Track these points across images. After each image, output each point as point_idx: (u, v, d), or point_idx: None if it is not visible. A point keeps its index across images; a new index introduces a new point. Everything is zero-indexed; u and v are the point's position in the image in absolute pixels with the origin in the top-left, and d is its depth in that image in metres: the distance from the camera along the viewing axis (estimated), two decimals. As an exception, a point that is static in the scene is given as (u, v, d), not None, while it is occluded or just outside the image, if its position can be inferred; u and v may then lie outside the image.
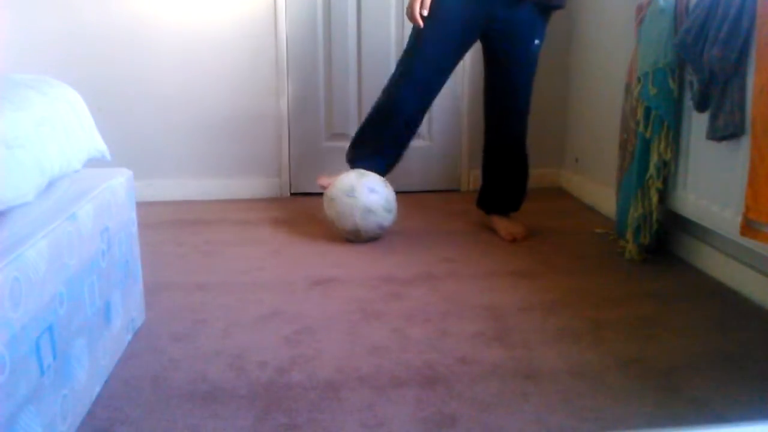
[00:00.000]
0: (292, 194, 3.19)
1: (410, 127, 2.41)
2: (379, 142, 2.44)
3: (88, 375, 1.31)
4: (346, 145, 3.15)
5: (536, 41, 2.32)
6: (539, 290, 1.95)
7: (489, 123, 2.46)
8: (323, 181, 2.53)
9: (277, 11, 2.99)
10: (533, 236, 2.48)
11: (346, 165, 3.23)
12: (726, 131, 1.79)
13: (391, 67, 3.06)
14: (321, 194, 3.16)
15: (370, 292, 1.94)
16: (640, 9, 2.19)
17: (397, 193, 2.67)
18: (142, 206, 2.92)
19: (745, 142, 1.73)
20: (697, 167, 2.01)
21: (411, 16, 2.24)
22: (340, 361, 1.53)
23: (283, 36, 3.02)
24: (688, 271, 2.10)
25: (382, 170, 2.44)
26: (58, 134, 1.27)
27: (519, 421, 1.29)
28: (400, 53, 2.44)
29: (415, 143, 3.18)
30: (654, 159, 2.09)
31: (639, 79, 2.10)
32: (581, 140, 3.09)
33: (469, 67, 3.10)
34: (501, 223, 2.47)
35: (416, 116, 2.40)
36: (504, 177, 2.47)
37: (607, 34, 2.80)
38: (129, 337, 1.62)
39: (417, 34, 2.29)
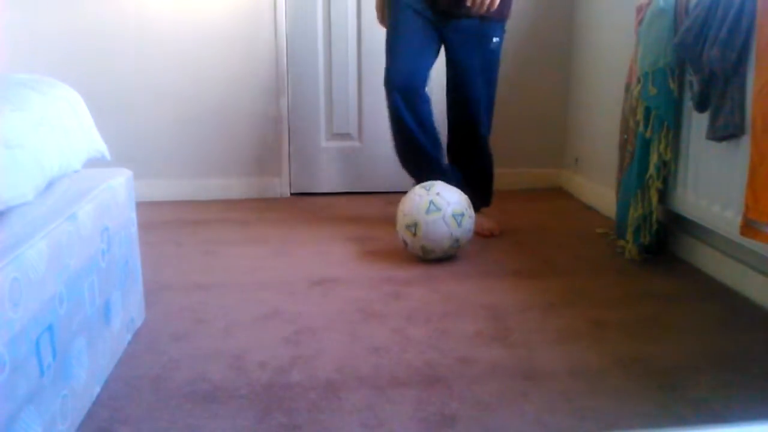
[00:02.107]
0: (292, 194, 3.19)
1: (419, 122, 2.41)
2: (411, 154, 2.46)
3: (88, 375, 1.31)
4: (346, 145, 3.17)
5: (495, 39, 2.35)
6: (539, 290, 1.95)
7: (453, 122, 2.48)
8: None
9: (276, 11, 2.99)
10: (533, 236, 2.48)
11: (353, 167, 3.25)
12: (726, 131, 1.79)
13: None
14: (321, 194, 3.18)
15: (370, 292, 1.94)
16: (640, 9, 2.19)
17: (394, 193, 2.68)
18: (142, 206, 2.92)
19: (745, 142, 1.73)
20: (697, 167, 2.01)
21: (382, 22, 2.44)
22: (340, 361, 1.53)
23: (283, 36, 3.02)
24: (688, 271, 2.10)
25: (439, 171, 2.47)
26: (57, 134, 1.27)
27: (519, 421, 1.29)
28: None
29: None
30: (654, 159, 2.09)
31: (639, 79, 2.10)
32: (581, 140, 3.09)
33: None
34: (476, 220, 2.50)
35: (415, 103, 2.39)
36: (472, 173, 2.50)
37: (607, 34, 2.79)
38: (129, 337, 1.62)
39: (391, 33, 2.41)
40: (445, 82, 2.46)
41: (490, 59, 2.38)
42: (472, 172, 2.50)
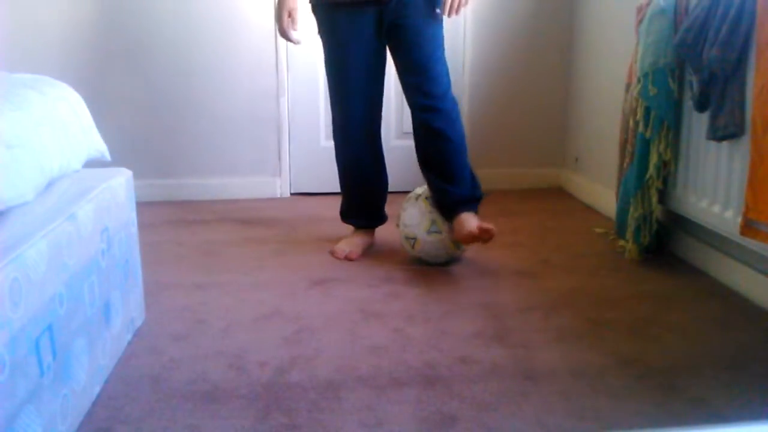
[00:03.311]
0: (292, 194, 3.19)
1: (379, 162, 2.27)
2: (363, 196, 2.29)
3: (88, 375, 1.31)
4: (346, 145, 3.17)
5: (437, 10, 2.05)
6: (539, 290, 1.95)
7: (415, 114, 2.13)
8: (342, 251, 2.26)
9: (277, 11, 2.99)
10: (533, 236, 2.48)
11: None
12: (726, 131, 1.79)
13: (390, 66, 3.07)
14: (321, 194, 3.18)
15: (370, 292, 1.94)
16: (640, 9, 2.19)
17: (398, 192, 2.67)
18: (142, 206, 2.93)
19: (745, 142, 1.73)
20: (697, 167, 2.01)
21: (282, 35, 2.11)
22: (340, 361, 1.53)
23: (283, 36, 3.02)
24: (688, 271, 2.10)
25: (381, 218, 2.35)
26: (57, 134, 1.27)
27: (519, 421, 1.29)
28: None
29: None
30: (654, 159, 2.09)
31: (639, 79, 2.10)
32: (581, 140, 3.09)
33: (469, 67, 3.10)
34: (461, 223, 2.05)
35: (376, 145, 2.25)
36: (450, 169, 2.12)
37: (607, 34, 2.79)
38: (129, 337, 1.62)
39: (331, 70, 2.16)
40: (400, 80, 2.15)
41: (438, 30, 2.09)
42: (448, 160, 2.12)
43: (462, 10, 2.01)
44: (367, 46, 2.11)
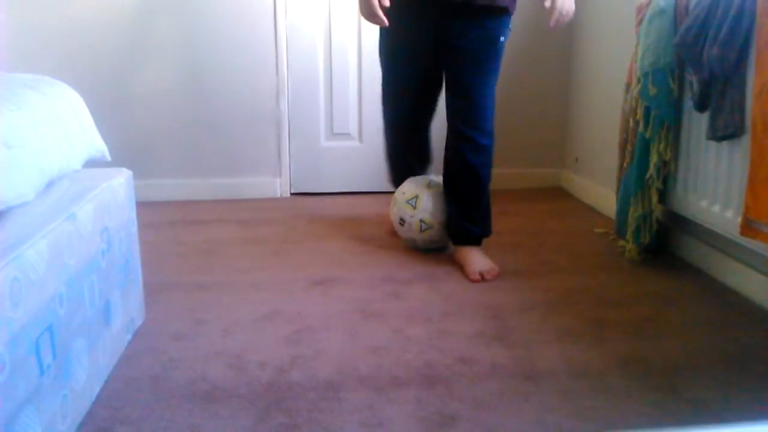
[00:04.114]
0: (292, 194, 3.19)
1: (424, 155, 2.38)
2: (405, 165, 2.39)
3: (88, 375, 1.31)
4: (346, 144, 3.17)
5: (501, 39, 2.03)
6: (539, 290, 1.95)
7: (454, 139, 2.13)
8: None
9: (276, 10, 2.99)
10: (533, 236, 2.48)
11: (353, 167, 3.25)
12: (726, 131, 1.79)
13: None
14: (321, 194, 3.18)
15: (370, 292, 1.94)
16: (640, 9, 2.19)
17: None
18: (142, 206, 2.92)
19: (745, 142, 1.73)
20: (697, 167, 2.01)
21: (369, 15, 1.90)
22: (340, 361, 1.53)
23: (283, 35, 3.02)
24: (688, 271, 2.10)
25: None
26: (57, 134, 1.27)
27: (519, 421, 1.29)
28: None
29: (415, 143, 3.19)
30: (654, 159, 2.09)
31: (639, 79, 2.10)
32: (581, 140, 3.09)
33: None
34: (471, 258, 2.11)
35: (421, 139, 2.33)
36: (472, 197, 2.14)
37: (607, 34, 2.80)
38: (129, 337, 1.62)
39: (385, 60, 2.20)
40: (447, 92, 2.12)
41: (498, 64, 2.06)
42: (472, 196, 2.13)
43: (565, 22, 1.89)
44: (425, 45, 2.07)
